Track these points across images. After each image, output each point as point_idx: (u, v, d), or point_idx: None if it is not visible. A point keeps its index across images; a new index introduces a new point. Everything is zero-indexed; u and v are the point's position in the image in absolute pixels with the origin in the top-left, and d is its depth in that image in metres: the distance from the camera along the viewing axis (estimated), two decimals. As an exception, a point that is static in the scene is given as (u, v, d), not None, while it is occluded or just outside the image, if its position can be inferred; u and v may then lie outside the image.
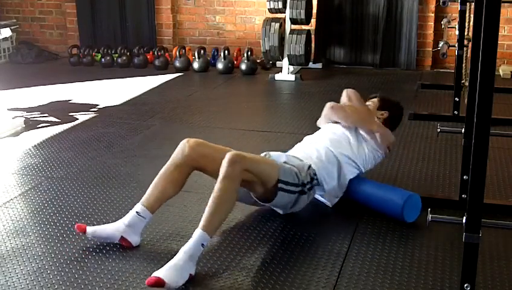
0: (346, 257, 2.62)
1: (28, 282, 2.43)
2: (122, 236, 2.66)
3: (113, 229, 2.68)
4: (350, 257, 2.62)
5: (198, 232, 2.44)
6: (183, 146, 2.77)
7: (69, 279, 2.45)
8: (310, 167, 2.96)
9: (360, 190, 3.10)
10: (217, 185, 2.52)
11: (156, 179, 2.74)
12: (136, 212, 2.69)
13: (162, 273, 2.33)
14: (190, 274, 2.39)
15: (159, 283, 2.29)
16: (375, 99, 3.38)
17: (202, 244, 2.43)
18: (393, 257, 2.61)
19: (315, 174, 2.97)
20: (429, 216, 2.21)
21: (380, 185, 3.17)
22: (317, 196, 3.12)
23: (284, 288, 2.38)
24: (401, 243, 2.75)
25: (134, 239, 2.68)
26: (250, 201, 2.96)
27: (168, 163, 2.76)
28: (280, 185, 2.77)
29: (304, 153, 3.06)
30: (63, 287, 2.39)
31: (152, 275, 2.32)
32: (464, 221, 2.00)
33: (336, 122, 3.24)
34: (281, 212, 3.00)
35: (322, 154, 3.04)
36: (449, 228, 2.80)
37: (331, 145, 3.09)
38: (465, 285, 2.04)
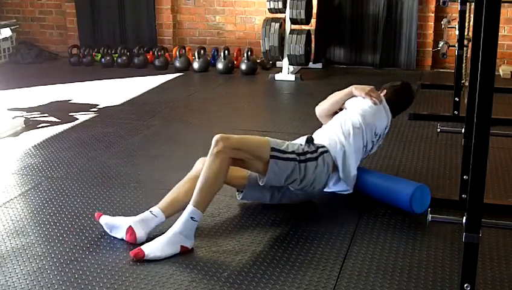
0: (346, 257, 2.62)
1: (28, 282, 2.43)
2: (130, 226, 2.71)
3: (124, 219, 2.78)
4: (350, 257, 2.62)
5: (189, 208, 2.65)
6: (201, 160, 2.95)
7: (69, 279, 2.45)
8: (311, 141, 3.03)
9: (368, 180, 3.15)
10: (204, 166, 2.73)
11: (174, 188, 2.89)
12: (150, 211, 2.78)
13: (145, 245, 2.62)
14: (182, 246, 2.62)
15: (139, 253, 2.58)
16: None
17: (192, 218, 2.64)
18: (393, 257, 2.62)
19: (323, 146, 3.02)
20: (429, 216, 2.21)
21: (387, 176, 3.25)
22: (333, 189, 3.19)
23: (284, 288, 2.38)
24: (401, 243, 2.75)
25: (140, 233, 2.71)
26: (257, 197, 3.06)
27: (187, 175, 2.93)
28: (273, 153, 2.82)
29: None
30: (63, 287, 2.39)
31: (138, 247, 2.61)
32: (464, 221, 2.00)
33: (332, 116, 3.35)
34: (295, 188, 2.98)
35: (326, 138, 3.12)
36: (449, 228, 2.81)
37: (332, 130, 3.17)
38: (465, 285, 2.04)
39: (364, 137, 3.13)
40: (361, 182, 3.16)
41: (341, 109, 3.34)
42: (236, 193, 3.11)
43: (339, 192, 3.21)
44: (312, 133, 3.25)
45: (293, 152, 2.88)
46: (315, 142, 3.06)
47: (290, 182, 2.91)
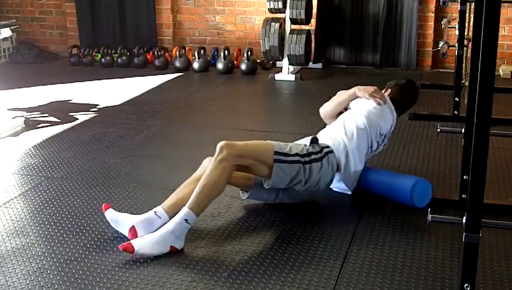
0: (346, 257, 2.62)
1: (28, 282, 2.43)
2: (133, 226, 2.72)
3: (127, 217, 2.78)
4: (350, 257, 2.62)
5: (184, 209, 2.66)
6: (207, 160, 2.96)
7: (69, 279, 2.45)
8: (316, 142, 3.04)
9: (368, 175, 3.16)
10: (206, 170, 2.75)
11: (179, 188, 2.90)
12: (154, 211, 2.80)
13: (136, 240, 2.61)
14: (172, 246, 2.62)
15: (129, 248, 2.57)
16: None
17: (186, 220, 2.64)
18: (393, 257, 2.62)
19: (327, 146, 3.03)
20: (429, 216, 2.21)
21: (388, 172, 3.32)
22: (334, 188, 3.24)
23: (284, 288, 2.38)
24: (401, 243, 2.75)
25: (142, 234, 2.70)
26: (262, 197, 3.07)
27: (193, 175, 2.94)
28: (277, 156, 2.84)
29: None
30: (63, 287, 2.39)
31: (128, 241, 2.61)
32: (464, 221, 2.00)
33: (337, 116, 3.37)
34: (300, 189, 2.97)
35: (329, 137, 3.14)
36: (449, 228, 2.81)
37: (335, 130, 3.20)
38: (465, 285, 2.04)
39: (369, 138, 3.15)
40: (361, 178, 3.17)
41: (346, 109, 3.36)
42: (240, 191, 3.10)
43: (340, 191, 3.24)
44: (314, 134, 3.25)
45: (296, 154, 2.90)
46: (320, 142, 3.08)
47: (295, 183, 2.93)
